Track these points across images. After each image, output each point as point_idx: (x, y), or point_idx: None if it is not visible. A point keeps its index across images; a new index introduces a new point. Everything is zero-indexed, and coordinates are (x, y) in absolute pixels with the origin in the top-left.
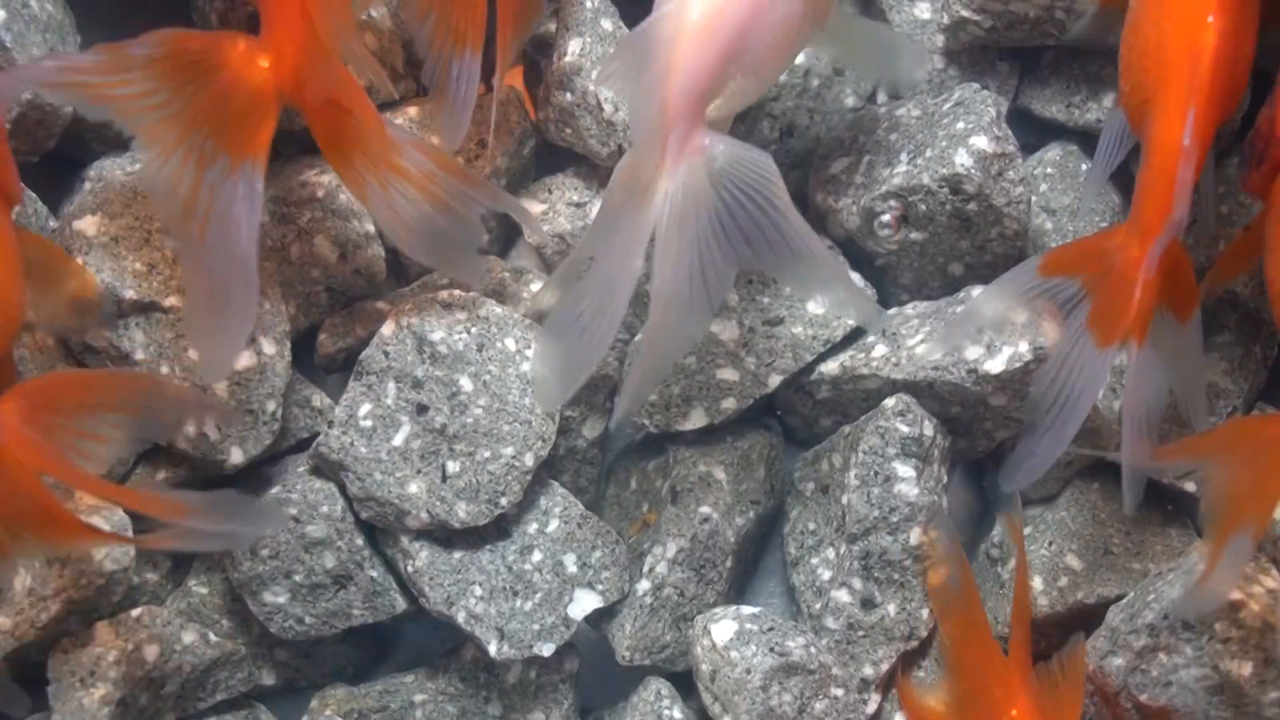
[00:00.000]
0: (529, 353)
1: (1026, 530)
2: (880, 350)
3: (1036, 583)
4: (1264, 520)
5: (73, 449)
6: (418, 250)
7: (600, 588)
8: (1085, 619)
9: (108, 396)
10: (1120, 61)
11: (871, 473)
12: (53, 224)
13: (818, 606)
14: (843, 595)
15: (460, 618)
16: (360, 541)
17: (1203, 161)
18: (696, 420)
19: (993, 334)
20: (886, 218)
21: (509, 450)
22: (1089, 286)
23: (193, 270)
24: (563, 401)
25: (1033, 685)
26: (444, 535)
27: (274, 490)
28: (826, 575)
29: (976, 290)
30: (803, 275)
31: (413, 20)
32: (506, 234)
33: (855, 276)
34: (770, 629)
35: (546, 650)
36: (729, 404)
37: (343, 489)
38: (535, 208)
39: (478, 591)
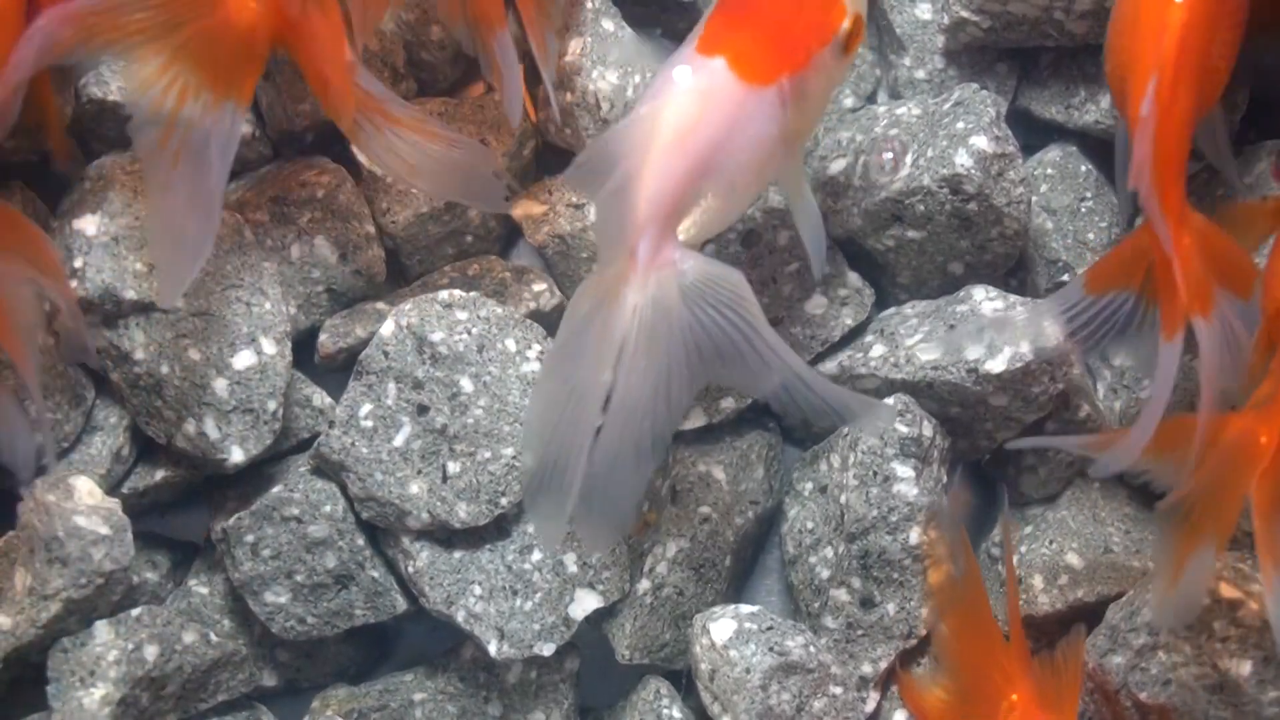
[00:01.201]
0: (529, 353)
1: (1027, 529)
2: (878, 350)
3: (1037, 581)
4: (1228, 530)
5: None
6: (431, 188)
7: (600, 587)
8: (1085, 617)
9: (31, 250)
10: (1106, 44)
11: (870, 473)
12: (53, 223)
13: (816, 605)
14: (841, 594)
15: (460, 617)
16: (361, 542)
17: (1179, 136)
18: (695, 420)
19: (994, 335)
20: (888, 155)
21: (509, 450)
22: (1148, 293)
23: (158, 197)
24: (562, 534)
25: (1032, 671)
26: (444, 535)
27: (276, 489)
28: (825, 574)
29: (977, 290)
30: (780, 393)
31: (448, 19)
32: (507, 234)
33: (854, 276)
34: (769, 628)
35: (547, 650)
36: (728, 404)
37: (344, 489)
38: (535, 209)
39: (477, 591)
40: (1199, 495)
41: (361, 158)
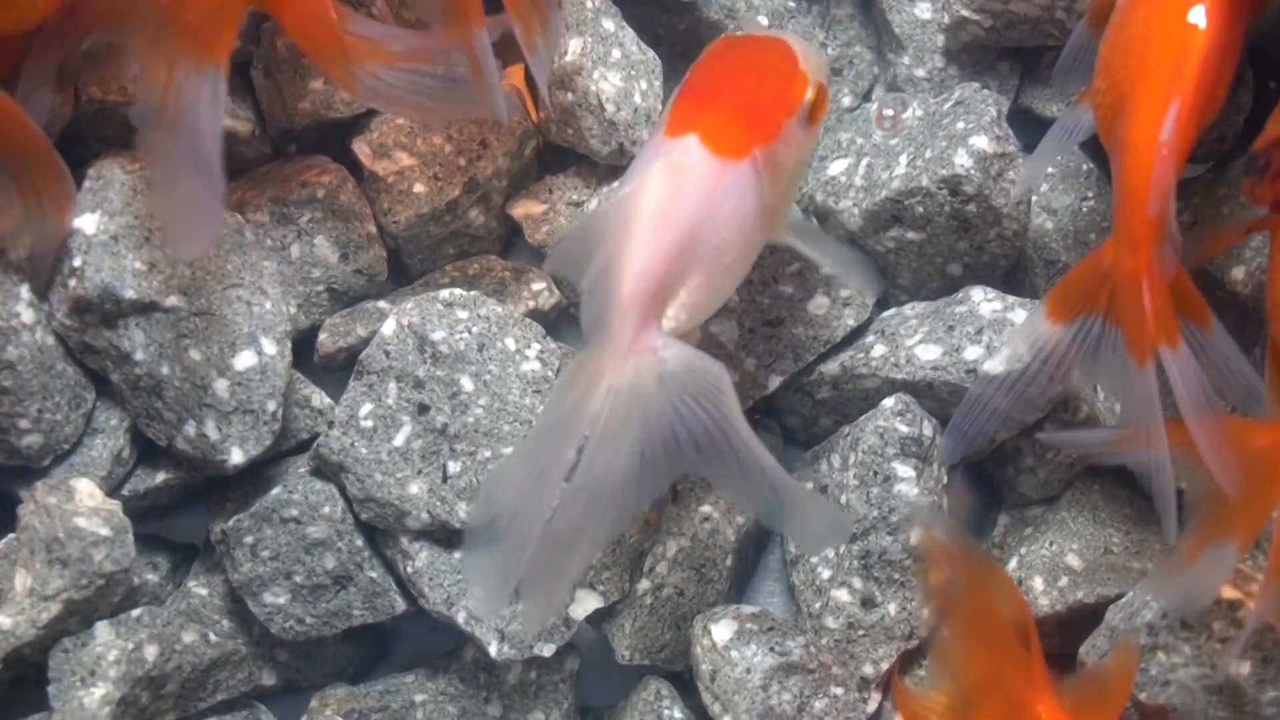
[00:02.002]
0: (529, 352)
1: (1027, 530)
2: (879, 350)
3: (1037, 582)
4: (1253, 534)
5: None
6: (443, 116)
7: (601, 588)
8: (1085, 618)
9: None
10: (1098, 61)
11: (871, 473)
12: None
13: (817, 606)
14: (842, 595)
15: (460, 618)
16: (360, 542)
17: (1182, 163)
18: None
19: (991, 334)
20: (889, 113)
21: (510, 450)
22: (1113, 317)
23: (162, 164)
24: (503, 603)
25: (1053, 682)
26: (444, 536)
27: (275, 491)
28: (826, 574)
29: (975, 291)
30: (751, 492)
31: (425, 13)
32: (507, 233)
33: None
34: (770, 628)
35: (547, 651)
36: None
37: (343, 490)
38: (535, 208)
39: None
40: (1228, 500)
41: (363, 154)
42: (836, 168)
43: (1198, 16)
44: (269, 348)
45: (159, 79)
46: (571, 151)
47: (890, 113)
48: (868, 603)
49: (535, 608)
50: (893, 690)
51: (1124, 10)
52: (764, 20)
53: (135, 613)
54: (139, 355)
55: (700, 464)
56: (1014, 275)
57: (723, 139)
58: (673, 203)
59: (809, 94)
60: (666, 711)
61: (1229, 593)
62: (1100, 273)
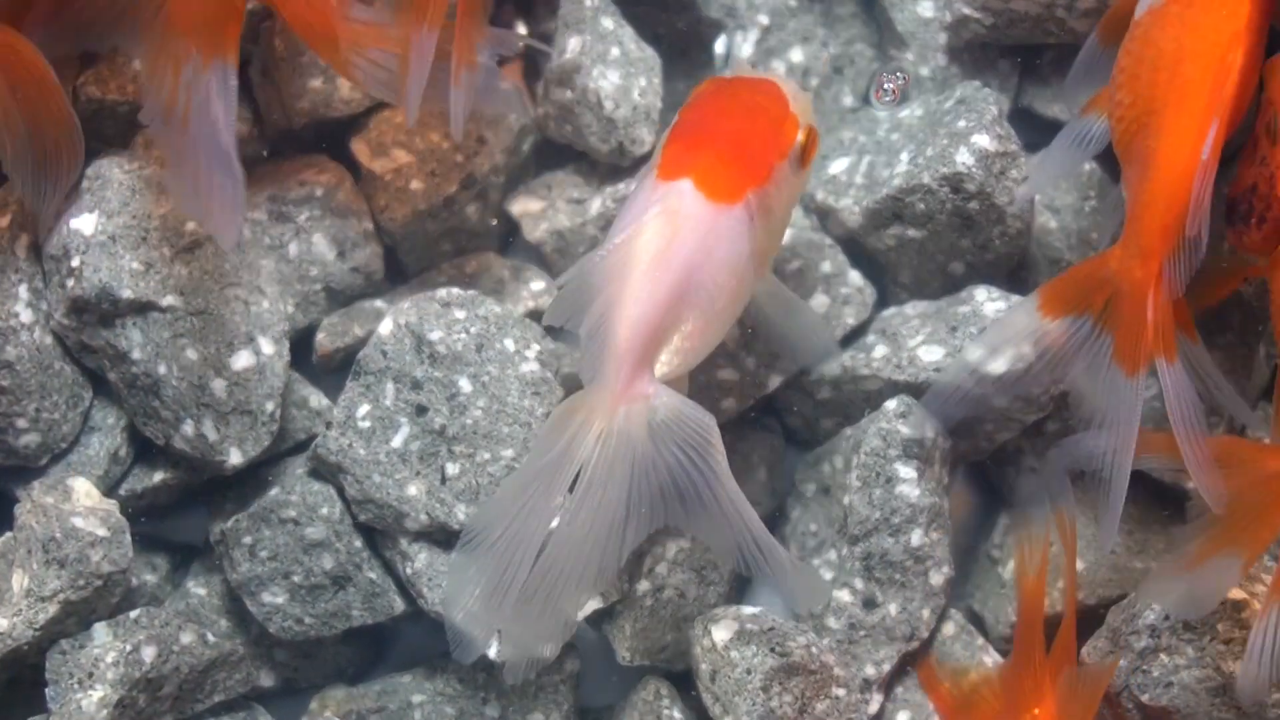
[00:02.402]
0: (528, 353)
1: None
2: (881, 351)
3: None
4: (1256, 554)
5: None
6: (450, 110)
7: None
8: (1086, 619)
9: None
10: (1118, 74)
11: (873, 474)
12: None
13: (819, 607)
14: (844, 595)
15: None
16: (359, 543)
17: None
18: None
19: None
20: (889, 85)
21: (509, 452)
22: (1106, 323)
23: (178, 160)
24: (483, 646)
25: (1063, 688)
26: (443, 537)
27: (273, 492)
28: (828, 576)
29: (979, 290)
30: (731, 545)
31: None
32: (505, 231)
33: (855, 275)
34: (771, 629)
35: None
36: (729, 404)
37: (341, 491)
38: (534, 205)
39: (476, 593)
40: (1235, 519)
41: (362, 153)
42: (837, 166)
43: (1236, 38)
44: (267, 347)
45: (166, 78)
46: (570, 149)
47: (890, 85)
48: (869, 604)
49: (516, 641)
50: (919, 672)
51: (1148, 25)
52: (764, 19)
53: (133, 614)
54: (136, 354)
55: (685, 514)
56: (1018, 274)
57: (718, 183)
58: (669, 249)
59: (800, 136)
60: (666, 712)
61: (1234, 593)
62: (1102, 277)
